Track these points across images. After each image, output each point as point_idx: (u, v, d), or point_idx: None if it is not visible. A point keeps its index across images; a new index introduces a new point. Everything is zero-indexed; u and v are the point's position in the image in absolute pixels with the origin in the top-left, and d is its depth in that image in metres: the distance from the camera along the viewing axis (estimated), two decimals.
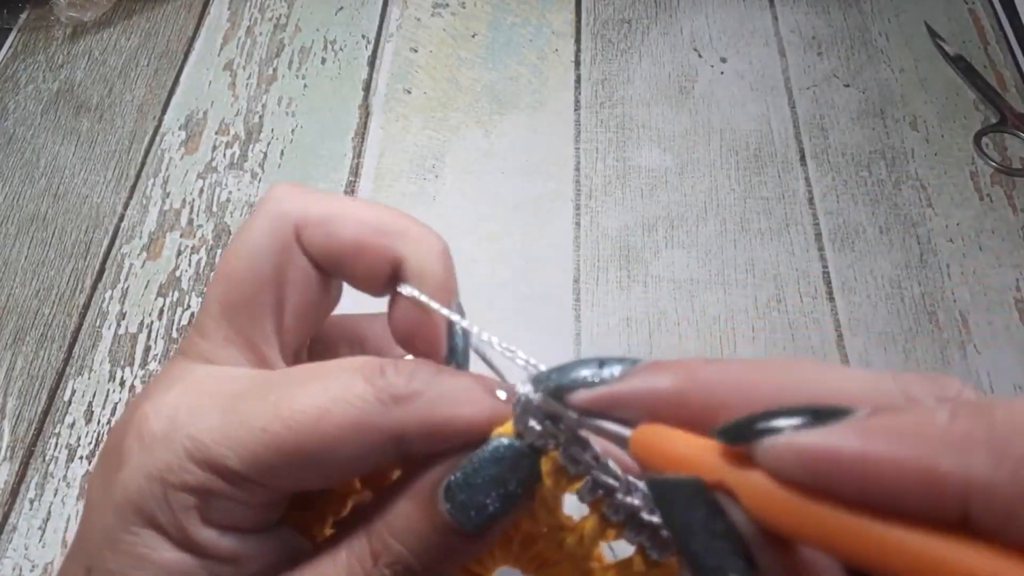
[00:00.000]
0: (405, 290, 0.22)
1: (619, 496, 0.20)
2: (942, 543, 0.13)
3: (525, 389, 0.20)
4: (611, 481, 0.20)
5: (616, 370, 0.19)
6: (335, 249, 0.23)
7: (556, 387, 0.19)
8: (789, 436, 0.14)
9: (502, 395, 0.21)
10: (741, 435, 0.15)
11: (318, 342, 0.26)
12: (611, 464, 0.20)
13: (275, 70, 0.65)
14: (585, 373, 0.19)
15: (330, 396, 0.20)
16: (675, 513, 0.16)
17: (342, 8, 0.69)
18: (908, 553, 0.13)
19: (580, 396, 0.19)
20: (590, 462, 0.20)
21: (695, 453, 0.17)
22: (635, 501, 0.20)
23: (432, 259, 0.23)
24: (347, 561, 0.20)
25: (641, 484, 0.20)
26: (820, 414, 0.15)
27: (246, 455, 0.19)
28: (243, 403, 0.20)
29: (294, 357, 0.24)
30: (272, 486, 0.20)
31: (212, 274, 0.22)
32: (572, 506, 0.22)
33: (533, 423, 0.20)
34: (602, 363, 0.19)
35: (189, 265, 0.55)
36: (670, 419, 0.17)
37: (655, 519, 0.20)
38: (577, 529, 0.22)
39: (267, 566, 0.22)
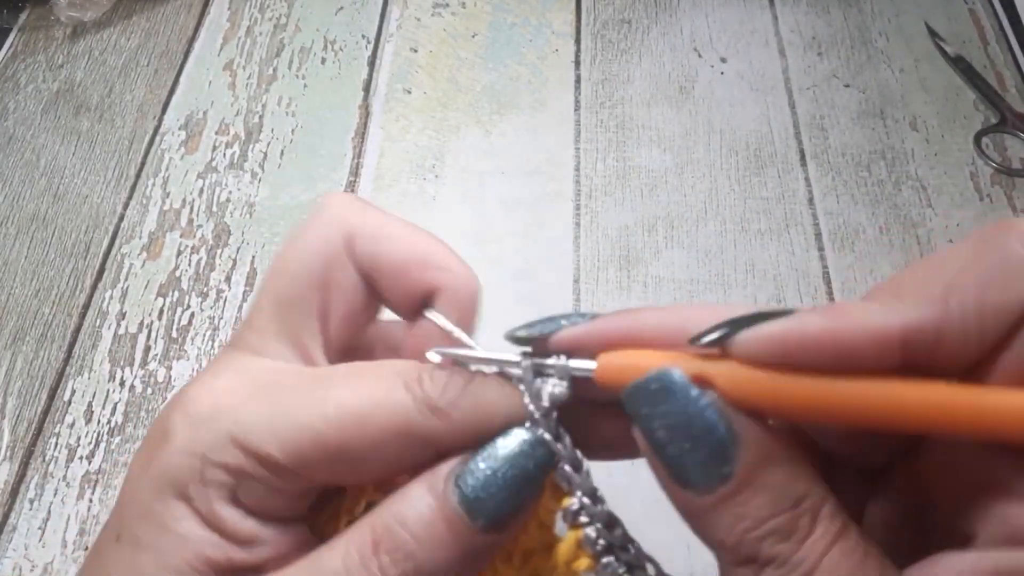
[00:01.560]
0: (431, 314, 0.23)
1: (598, 527, 0.21)
2: (890, 384, 0.18)
3: (525, 363, 0.21)
4: (596, 508, 0.21)
5: (580, 318, 0.22)
6: (380, 266, 0.24)
7: (537, 335, 0.22)
8: (758, 328, 0.19)
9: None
10: (714, 338, 0.19)
11: (357, 346, 0.26)
12: (600, 494, 0.21)
13: (275, 70, 0.65)
14: (559, 322, 0.22)
15: (374, 399, 0.21)
16: (655, 412, 0.19)
17: (342, 8, 0.69)
18: (864, 397, 0.18)
19: (564, 335, 0.21)
20: (581, 483, 0.21)
21: (665, 359, 0.19)
22: (614, 535, 0.21)
23: (464, 297, 0.24)
24: (345, 549, 0.20)
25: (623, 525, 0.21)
26: (769, 315, 0.19)
27: (289, 446, 0.20)
28: (290, 396, 0.21)
29: (336, 358, 0.25)
30: (308, 477, 0.21)
31: (266, 271, 0.24)
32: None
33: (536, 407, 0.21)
34: (564, 317, 0.22)
35: (189, 265, 0.55)
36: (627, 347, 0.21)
37: (629, 557, 0.21)
38: (554, 551, 0.22)
39: (279, 556, 0.22)
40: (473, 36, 0.67)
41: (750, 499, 0.18)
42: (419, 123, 0.62)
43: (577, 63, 0.65)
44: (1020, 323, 0.18)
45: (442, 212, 0.57)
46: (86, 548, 0.45)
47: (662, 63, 0.65)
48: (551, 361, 0.21)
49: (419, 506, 0.20)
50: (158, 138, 0.62)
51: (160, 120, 0.63)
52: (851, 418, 0.18)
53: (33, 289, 0.54)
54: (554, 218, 0.57)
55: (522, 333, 0.22)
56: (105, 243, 0.56)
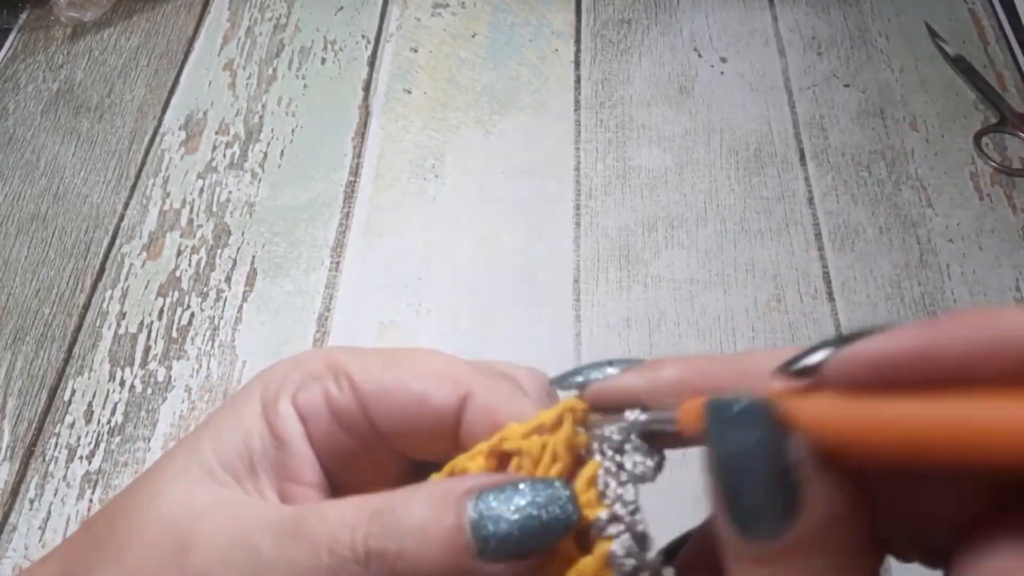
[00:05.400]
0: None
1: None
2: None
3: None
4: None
5: (619, 368, 0.21)
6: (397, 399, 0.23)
7: (577, 384, 0.22)
8: (852, 348, 0.16)
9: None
10: (801, 366, 0.17)
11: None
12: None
13: (275, 70, 0.65)
14: (595, 373, 0.22)
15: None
16: (727, 439, 0.17)
17: (342, 8, 0.69)
18: (978, 413, 0.14)
19: (593, 389, 0.21)
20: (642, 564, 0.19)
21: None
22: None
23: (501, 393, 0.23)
24: (339, 520, 0.19)
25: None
26: (861, 333, 0.17)
27: (366, 367, 0.23)
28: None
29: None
30: (369, 405, 0.23)
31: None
32: None
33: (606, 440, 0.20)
34: (610, 363, 0.22)
35: (189, 265, 0.55)
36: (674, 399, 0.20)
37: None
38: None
39: (295, 475, 0.23)
40: (473, 36, 0.67)
41: (782, 572, 0.16)
42: (419, 123, 0.62)
43: (577, 63, 0.65)
44: None
45: (442, 212, 0.57)
46: None
47: (662, 63, 0.65)
48: (629, 415, 0.20)
49: (425, 519, 0.19)
50: (158, 138, 0.62)
51: (160, 120, 0.63)
52: (958, 448, 0.15)
53: (33, 289, 0.54)
54: (554, 218, 0.57)
55: (577, 379, 0.22)
56: (105, 243, 0.56)
